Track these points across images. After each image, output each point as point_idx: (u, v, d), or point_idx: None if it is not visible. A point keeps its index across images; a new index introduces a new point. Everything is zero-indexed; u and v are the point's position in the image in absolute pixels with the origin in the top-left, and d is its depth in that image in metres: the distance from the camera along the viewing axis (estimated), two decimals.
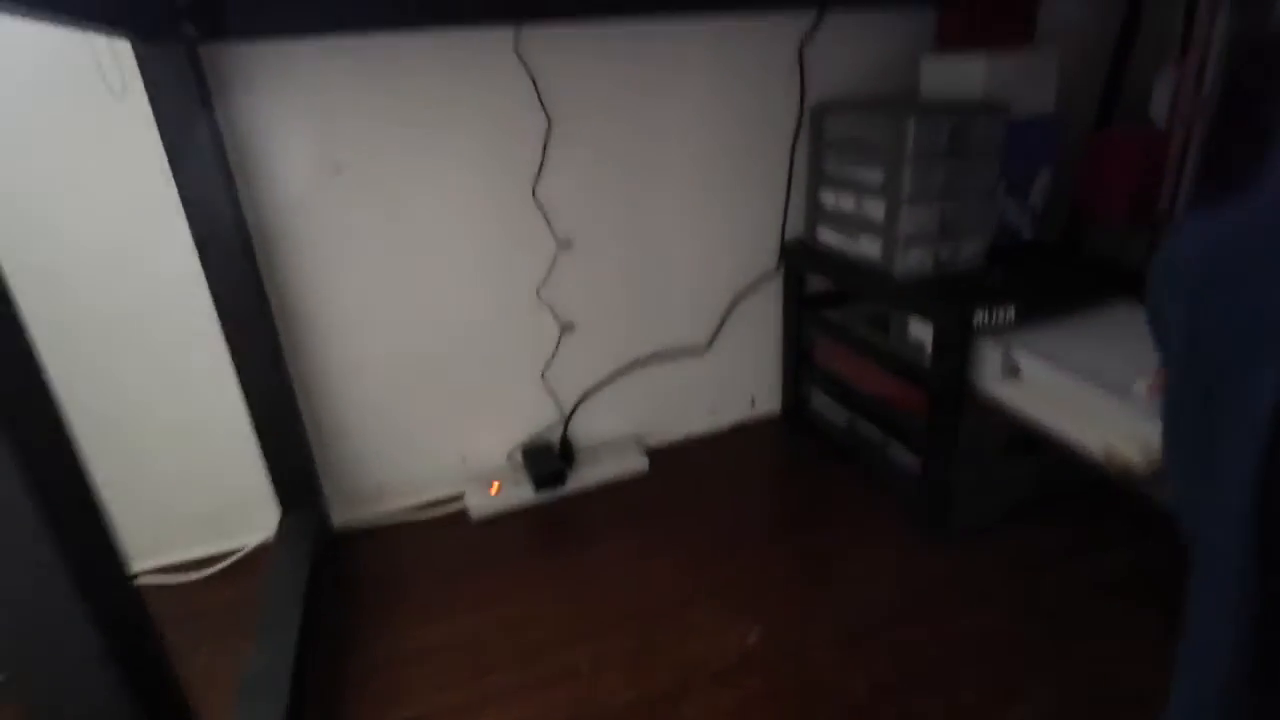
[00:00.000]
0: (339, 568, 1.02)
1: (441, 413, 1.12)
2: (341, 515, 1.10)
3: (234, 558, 1.04)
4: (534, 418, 1.18)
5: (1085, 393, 0.82)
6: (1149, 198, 1.21)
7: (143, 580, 1.01)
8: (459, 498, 1.13)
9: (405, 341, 1.06)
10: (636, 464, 1.19)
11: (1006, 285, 0.99)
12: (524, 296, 1.10)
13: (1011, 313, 0.92)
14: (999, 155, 1.00)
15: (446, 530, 1.10)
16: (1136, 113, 1.22)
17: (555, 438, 1.18)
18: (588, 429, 1.22)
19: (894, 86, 1.18)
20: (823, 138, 1.11)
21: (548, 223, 1.07)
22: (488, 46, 0.95)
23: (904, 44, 1.16)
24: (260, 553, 1.05)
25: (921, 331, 1.02)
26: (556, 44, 0.98)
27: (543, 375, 1.15)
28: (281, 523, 1.01)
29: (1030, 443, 1.03)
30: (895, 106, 0.99)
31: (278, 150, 0.91)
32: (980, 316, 0.91)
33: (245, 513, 1.05)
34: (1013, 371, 0.91)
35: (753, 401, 1.34)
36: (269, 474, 0.99)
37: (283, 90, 0.89)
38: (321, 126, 0.92)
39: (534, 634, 0.89)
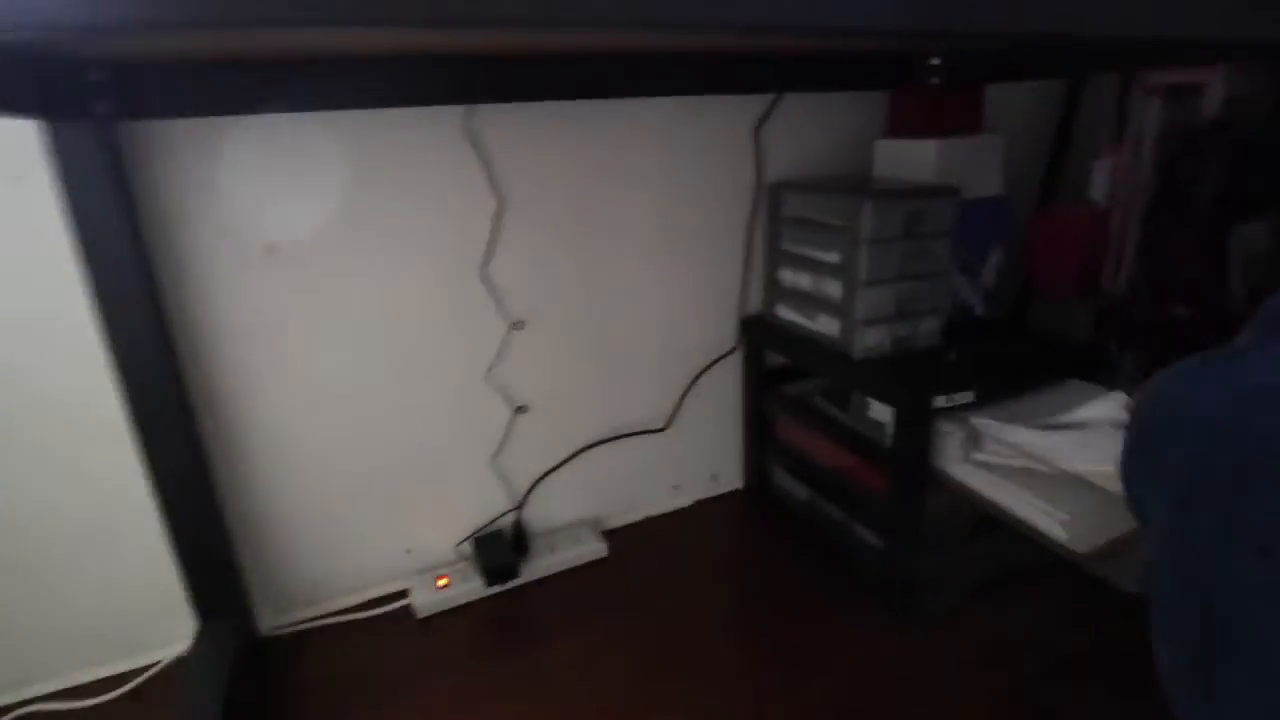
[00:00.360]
0: (265, 679, 0.93)
1: (384, 503, 1.05)
2: (271, 619, 1.01)
3: (146, 675, 0.93)
4: (484, 505, 1.11)
5: (1044, 474, 0.81)
6: (1093, 273, 1.24)
7: (40, 707, 0.90)
8: (403, 594, 1.05)
9: (343, 429, 0.99)
10: (594, 549, 1.14)
11: (964, 364, 0.98)
12: (473, 379, 1.05)
13: (971, 395, 0.91)
14: (952, 236, 1.00)
15: (389, 631, 1.01)
16: (1077, 193, 1.26)
17: (508, 525, 1.12)
18: (543, 514, 1.16)
19: (849, 166, 1.19)
20: (780, 216, 1.11)
21: (497, 303, 1.02)
22: (435, 125, 0.92)
23: (858, 127, 1.18)
24: (177, 667, 0.94)
25: (881, 412, 1.01)
26: (507, 123, 0.96)
27: (493, 460, 1.09)
28: (200, 632, 0.91)
29: (993, 522, 1.02)
30: (851, 189, 0.99)
31: (203, 231, 0.85)
32: (940, 400, 0.90)
33: (160, 623, 0.95)
34: (972, 453, 0.90)
35: (714, 478, 1.30)
36: (185, 578, 0.90)
37: (209, 167, 0.84)
38: (253, 205, 0.87)
39: None
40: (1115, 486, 0.73)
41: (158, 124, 0.81)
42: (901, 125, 1.14)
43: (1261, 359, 0.25)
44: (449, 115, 0.93)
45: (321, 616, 1.03)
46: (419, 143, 0.92)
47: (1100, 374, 1.07)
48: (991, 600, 1.01)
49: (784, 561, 1.13)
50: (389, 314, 0.97)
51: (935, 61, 1.10)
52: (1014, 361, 1.02)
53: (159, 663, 0.95)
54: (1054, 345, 1.09)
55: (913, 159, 1.07)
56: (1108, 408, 0.90)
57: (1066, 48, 0.98)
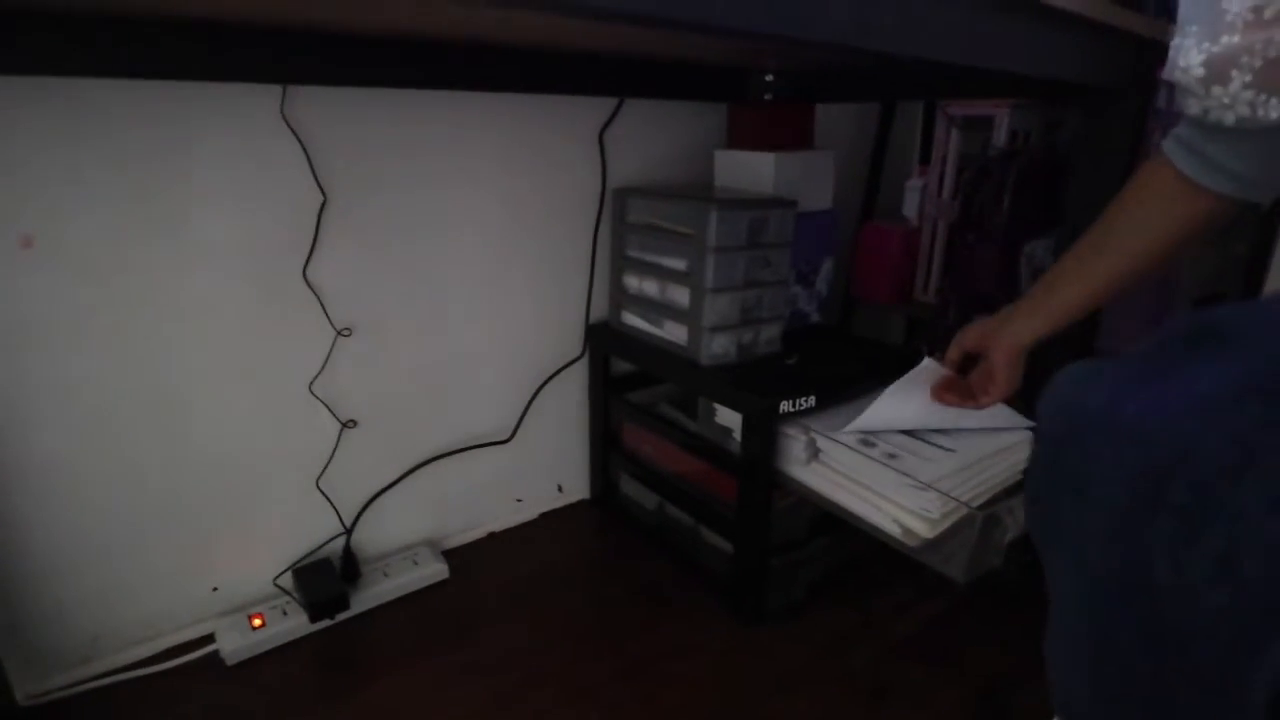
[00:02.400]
0: None
1: (184, 536, 0.90)
2: (33, 685, 0.84)
3: None
4: (308, 532, 1.00)
5: (876, 472, 0.86)
6: (906, 284, 1.36)
7: None
8: (209, 639, 0.92)
9: (130, 453, 0.84)
10: (434, 571, 1.06)
11: (804, 370, 1.02)
12: (295, 391, 0.94)
13: (813, 399, 0.95)
14: (790, 245, 1.05)
15: (192, 684, 0.87)
16: (893, 210, 1.37)
17: (336, 552, 1.01)
18: (376, 537, 1.07)
19: (690, 175, 1.21)
20: (625, 222, 1.10)
21: (323, 308, 0.92)
22: (247, 103, 0.81)
23: (699, 136, 1.21)
24: None
25: (728, 417, 1.03)
26: (333, 110, 0.87)
27: (318, 481, 0.98)
28: None
29: (830, 521, 1.07)
30: (696, 196, 1.00)
31: None
32: (785, 405, 0.93)
33: None
34: (813, 456, 0.94)
35: (560, 489, 1.27)
36: None
37: None
38: (7, 188, 0.72)
39: None
40: (932, 486, 0.79)
41: None
42: (740, 137, 1.18)
43: (1188, 372, 0.25)
44: (264, 96, 0.82)
45: (103, 675, 0.87)
46: (229, 126, 0.81)
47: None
48: (829, 594, 1.06)
49: (633, 571, 1.12)
50: (192, 318, 0.84)
51: (769, 78, 1.15)
52: (847, 366, 1.08)
53: None
54: (879, 350, 1.17)
55: (752, 170, 1.11)
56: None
57: (879, 71, 1.06)
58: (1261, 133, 0.49)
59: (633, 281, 1.11)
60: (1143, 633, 0.23)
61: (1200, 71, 0.47)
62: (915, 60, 0.62)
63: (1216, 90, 0.47)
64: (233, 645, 0.90)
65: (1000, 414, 0.92)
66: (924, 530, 0.80)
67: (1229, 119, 0.49)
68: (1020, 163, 1.11)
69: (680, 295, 1.02)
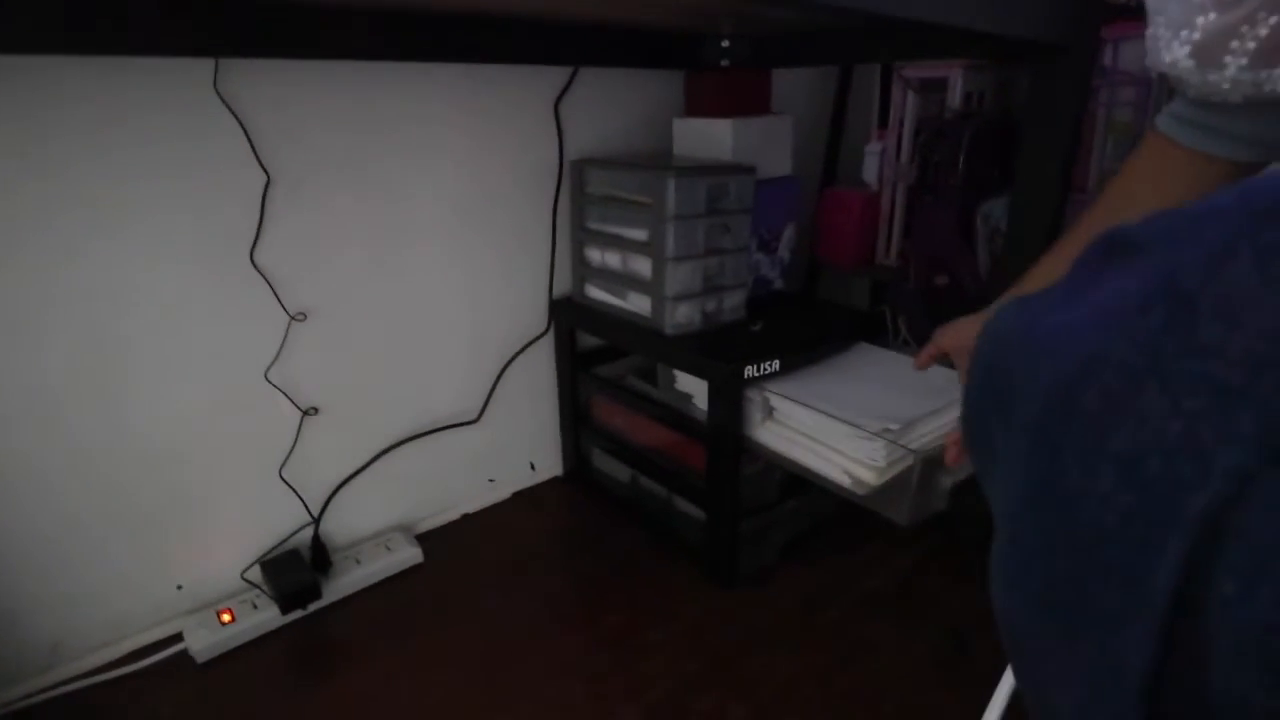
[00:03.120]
0: None
1: (142, 536, 0.88)
2: None
3: None
4: (274, 523, 0.98)
5: (825, 425, 0.87)
6: (869, 248, 1.36)
7: None
8: (177, 639, 0.90)
9: (76, 454, 0.81)
10: (408, 556, 1.05)
11: (768, 336, 1.03)
12: (250, 380, 0.91)
13: (777, 364, 0.96)
14: (751, 212, 1.04)
15: (160, 685, 0.85)
16: (853, 175, 1.37)
17: (304, 542, 0.99)
18: (345, 525, 1.05)
19: (649, 144, 1.20)
20: (584, 194, 1.08)
21: (274, 292, 0.89)
22: (176, 79, 0.78)
23: (656, 105, 1.19)
24: None
25: (689, 384, 1.03)
26: (270, 83, 0.83)
27: (281, 471, 0.96)
28: None
29: (798, 484, 1.09)
30: (654, 166, 0.99)
31: None
32: (750, 370, 0.93)
33: None
34: (768, 415, 0.95)
35: (532, 466, 1.26)
36: None
37: None
38: None
39: None
40: (881, 435, 0.80)
41: None
42: (697, 105, 1.17)
43: (1093, 287, 0.25)
44: (194, 71, 0.78)
45: (64, 682, 0.84)
46: (160, 103, 0.77)
47: (880, 337, 1.19)
48: (801, 555, 1.08)
49: (609, 544, 1.12)
50: (136, 308, 0.81)
51: (725, 44, 1.13)
52: (811, 330, 1.09)
53: None
54: (843, 314, 1.18)
55: (710, 138, 1.10)
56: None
57: (834, 32, 1.06)
58: (1272, 103, 0.48)
59: (595, 254, 1.10)
60: (1061, 539, 0.24)
61: (1189, 63, 0.47)
62: (868, 16, 0.62)
63: (1213, 77, 0.47)
64: (202, 643, 0.88)
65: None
66: (871, 478, 0.82)
67: (1235, 97, 0.48)
68: (974, 124, 1.12)
69: (642, 266, 1.01)
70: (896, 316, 1.28)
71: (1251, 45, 0.44)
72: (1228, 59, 0.45)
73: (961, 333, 0.75)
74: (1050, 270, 0.69)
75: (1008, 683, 0.60)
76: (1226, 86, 0.47)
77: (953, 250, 1.16)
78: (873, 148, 1.29)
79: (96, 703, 0.83)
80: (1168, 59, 0.48)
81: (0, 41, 0.64)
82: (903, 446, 0.81)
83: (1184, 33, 0.46)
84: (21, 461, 0.78)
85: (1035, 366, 0.25)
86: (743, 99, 1.13)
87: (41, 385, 0.77)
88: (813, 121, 1.42)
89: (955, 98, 1.20)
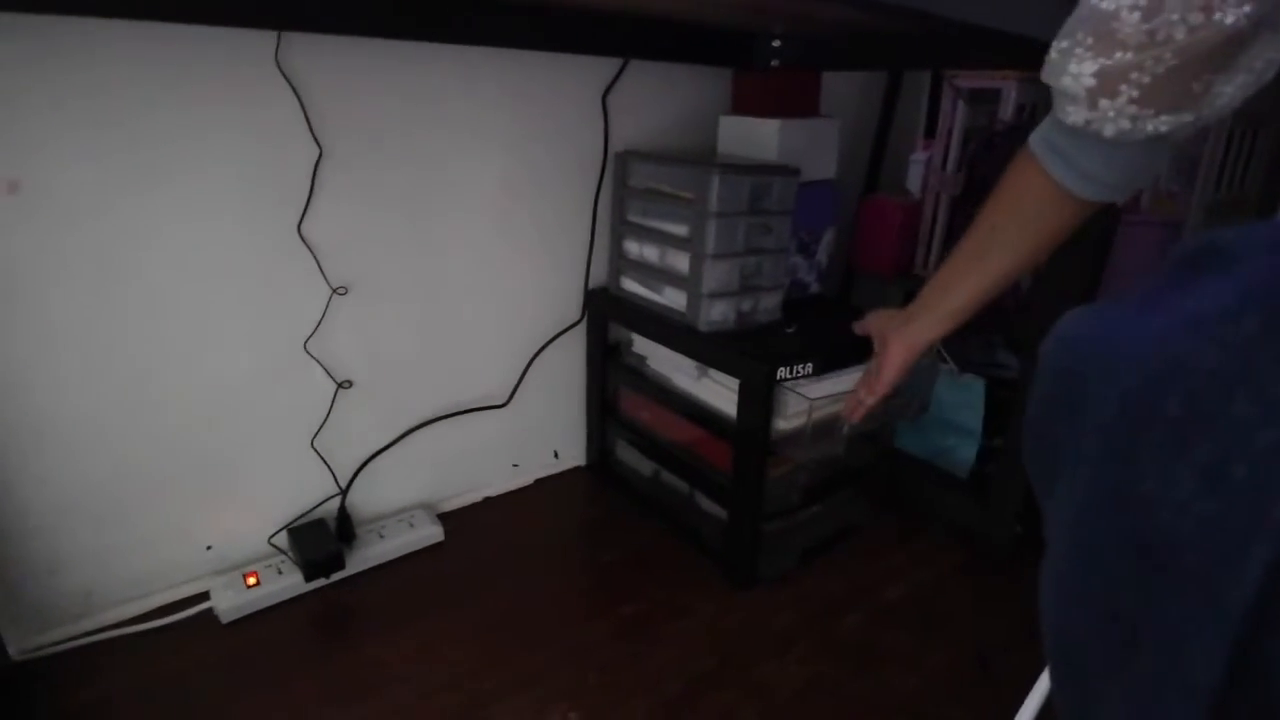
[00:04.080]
0: (22, 714, 0.77)
1: (177, 495, 0.90)
2: (25, 640, 0.83)
3: None
4: (303, 492, 1.00)
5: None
6: (907, 257, 1.35)
7: None
8: (204, 597, 0.92)
9: (122, 408, 0.83)
10: (430, 534, 1.06)
11: (803, 338, 1.02)
12: (288, 350, 0.92)
13: (810, 367, 0.95)
14: (792, 214, 1.04)
15: (186, 641, 0.87)
16: (896, 183, 1.36)
17: (331, 513, 1.01)
18: (371, 499, 1.06)
19: (694, 140, 1.19)
20: (626, 186, 1.09)
21: (318, 264, 0.91)
22: (240, 51, 0.79)
23: (704, 101, 1.19)
24: None
25: (727, 384, 1.03)
26: (329, 58, 0.85)
27: (313, 442, 0.98)
28: None
29: (826, 489, 1.08)
30: (699, 161, 0.99)
31: None
32: (783, 372, 0.93)
33: None
34: (704, 374, 1.01)
35: (556, 455, 1.27)
36: None
37: None
38: None
39: None
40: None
41: None
42: (745, 103, 1.16)
43: (1183, 293, 0.25)
44: (258, 43, 0.80)
45: (95, 631, 0.87)
46: (221, 72, 0.79)
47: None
48: (820, 562, 1.07)
49: (628, 536, 1.12)
50: (183, 274, 0.83)
51: (776, 43, 1.13)
52: (844, 335, 1.08)
53: None
54: None
55: (756, 137, 1.09)
56: None
57: (888, 36, 1.05)
58: (1134, 145, 0.51)
59: (633, 246, 1.10)
60: (1131, 546, 0.24)
61: (1091, 82, 0.48)
62: (921, 16, 0.61)
63: (1104, 103, 0.48)
64: (227, 603, 0.90)
65: None
66: (783, 425, 0.94)
67: (1109, 131, 0.49)
68: (1024, 136, 1.10)
69: (680, 261, 1.01)
70: None
71: (1146, 81, 0.45)
72: (1122, 88, 0.46)
73: (881, 321, 0.82)
74: (949, 284, 0.72)
75: (1035, 699, 0.59)
76: (1111, 115, 0.48)
77: None
78: (918, 156, 1.28)
79: (124, 652, 0.85)
80: (1073, 70, 0.48)
81: (85, 5, 0.66)
82: (802, 395, 0.91)
83: (1100, 58, 0.46)
84: (69, 417, 0.80)
85: (1115, 370, 0.25)
86: (791, 100, 1.12)
87: (90, 344, 0.80)
88: (859, 126, 1.41)
89: (1008, 109, 1.18)
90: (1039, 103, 1.20)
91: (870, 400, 0.82)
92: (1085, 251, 1.00)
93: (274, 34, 0.80)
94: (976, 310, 0.72)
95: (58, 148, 0.73)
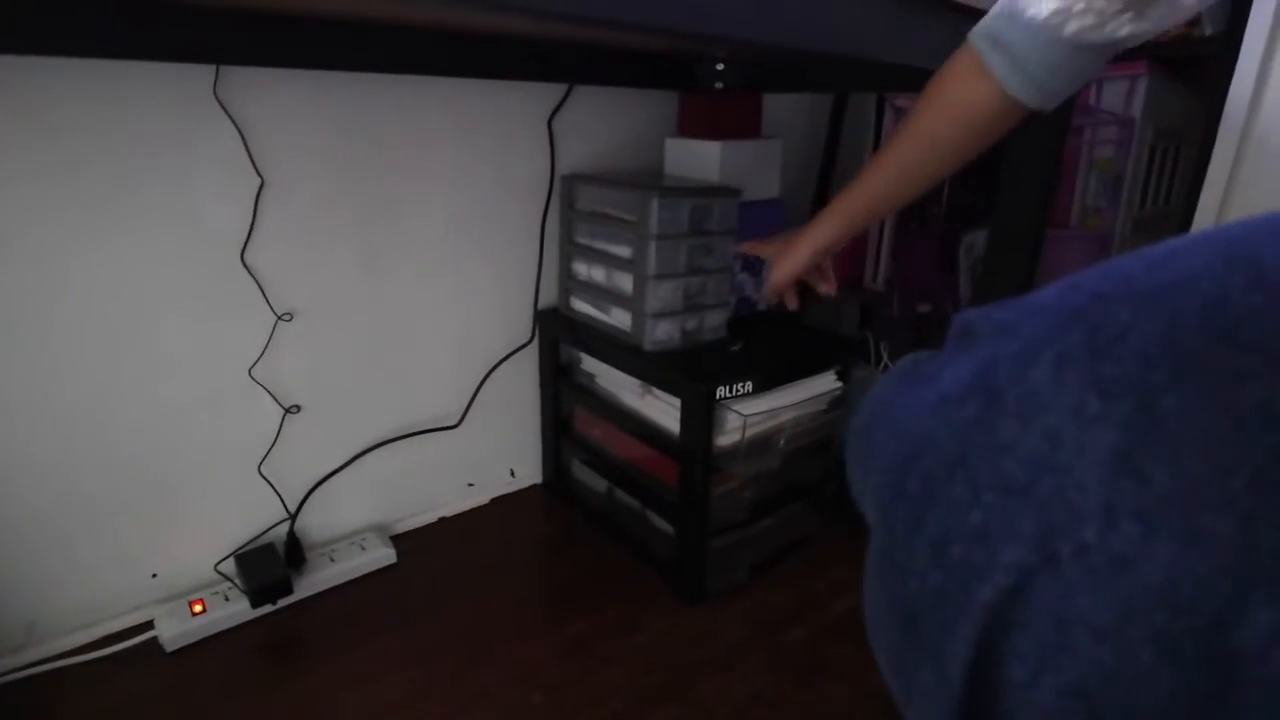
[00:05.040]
0: None
1: (120, 523, 0.90)
2: None
3: None
4: (251, 517, 1.00)
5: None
6: (857, 269, 1.38)
7: None
8: (148, 626, 0.92)
9: (60, 441, 0.84)
10: (382, 555, 1.06)
11: (746, 356, 1.04)
12: (233, 377, 0.93)
13: (750, 385, 0.97)
14: (734, 233, 1.06)
15: (130, 670, 0.87)
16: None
17: (280, 538, 1.01)
18: (322, 523, 1.07)
19: (641, 162, 1.22)
20: (573, 209, 1.11)
21: (262, 292, 0.92)
22: (177, 84, 0.80)
23: (650, 124, 1.21)
24: None
25: (670, 401, 1.05)
26: (268, 89, 0.86)
27: (260, 467, 0.98)
28: None
29: (774, 503, 1.10)
30: (640, 185, 1.01)
31: None
32: (722, 391, 0.94)
33: None
34: (648, 391, 1.03)
35: (512, 473, 1.28)
36: None
37: None
38: None
39: None
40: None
41: None
42: (689, 125, 1.19)
43: (943, 369, 0.26)
44: (195, 76, 0.81)
45: (38, 663, 0.86)
46: (161, 105, 0.80)
47: (863, 362, 1.20)
48: (769, 576, 1.09)
49: (583, 554, 1.13)
50: (125, 304, 0.83)
51: (720, 67, 1.15)
52: (789, 352, 1.10)
53: None
54: (824, 337, 1.19)
55: (699, 158, 1.12)
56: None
57: (826, 64, 1.08)
58: (1082, 49, 0.52)
59: (581, 268, 1.12)
60: (895, 607, 0.25)
61: None
62: (832, 55, 0.64)
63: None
64: (172, 631, 0.90)
65: None
66: (725, 441, 0.98)
67: (1070, 27, 0.50)
68: None
69: (625, 282, 1.03)
70: (880, 342, 1.29)
71: None
72: None
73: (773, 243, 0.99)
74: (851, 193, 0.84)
75: None
76: (1080, 7, 0.49)
77: (935, 279, 1.18)
78: None
79: (67, 683, 0.85)
80: None
81: (25, 44, 0.67)
82: (737, 413, 0.97)
83: None
84: (6, 446, 0.80)
85: (885, 442, 0.27)
86: (733, 121, 1.15)
87: (30, 375, 0.80)
88: (807, 144, 1.44)
89: None
90: None
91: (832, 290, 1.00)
92: (1017, 266, 1.03)
93: (212, 67, 0.81)
94: (864, 217, 0.86)
95: None
